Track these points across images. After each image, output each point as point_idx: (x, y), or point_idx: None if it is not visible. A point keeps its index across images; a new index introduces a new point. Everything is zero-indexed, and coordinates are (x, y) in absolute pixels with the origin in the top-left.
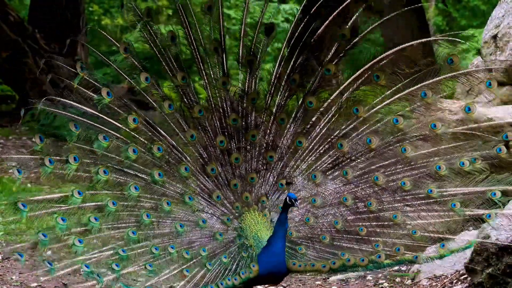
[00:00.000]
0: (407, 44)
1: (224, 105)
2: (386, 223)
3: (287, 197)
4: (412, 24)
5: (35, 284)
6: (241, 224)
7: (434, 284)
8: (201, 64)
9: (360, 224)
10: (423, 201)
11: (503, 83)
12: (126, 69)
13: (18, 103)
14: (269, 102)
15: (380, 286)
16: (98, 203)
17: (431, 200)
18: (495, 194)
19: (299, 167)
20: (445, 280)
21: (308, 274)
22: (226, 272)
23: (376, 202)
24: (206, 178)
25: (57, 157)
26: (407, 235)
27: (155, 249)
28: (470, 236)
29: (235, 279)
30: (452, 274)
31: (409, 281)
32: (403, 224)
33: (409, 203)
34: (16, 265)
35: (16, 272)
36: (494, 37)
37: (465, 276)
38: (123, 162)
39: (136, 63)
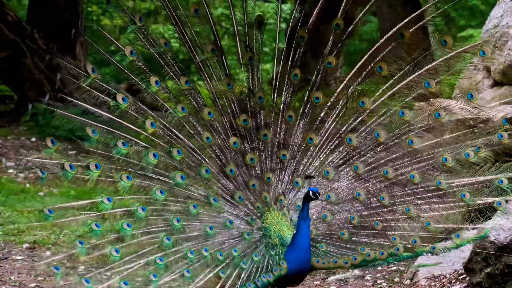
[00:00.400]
0: (399, 26)
1: (232, 105)
2: (400, 216)
3: (309, 192)
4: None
5: (33, 285)
6: (264, 224)
7: (433, 284)
8: (202, 67)
9: (375, 218)
10: (433, 193)
11: (502, 83)
12: (134, 71)
13: (16, 103)
14: (275, 99)
15: (379, 286)
16: (126, 208)
17: (441, 192)
18: (502, 181)
19: (312, 164)
20: (443, 280)
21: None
22: (258, 270)
23: (388, 196)
24: (226, 180)
25: (79, 163)
26: (422, 227)
27: (190, 253)
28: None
29: (269, 276)
30: (450, 274)
31: (408, 281)
32: (416, 217)
33: (420, 196)
34: (14, 265)
35: (14, 272)
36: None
37: (464, 276)
38: (145, 168)
39: (143, 66)
